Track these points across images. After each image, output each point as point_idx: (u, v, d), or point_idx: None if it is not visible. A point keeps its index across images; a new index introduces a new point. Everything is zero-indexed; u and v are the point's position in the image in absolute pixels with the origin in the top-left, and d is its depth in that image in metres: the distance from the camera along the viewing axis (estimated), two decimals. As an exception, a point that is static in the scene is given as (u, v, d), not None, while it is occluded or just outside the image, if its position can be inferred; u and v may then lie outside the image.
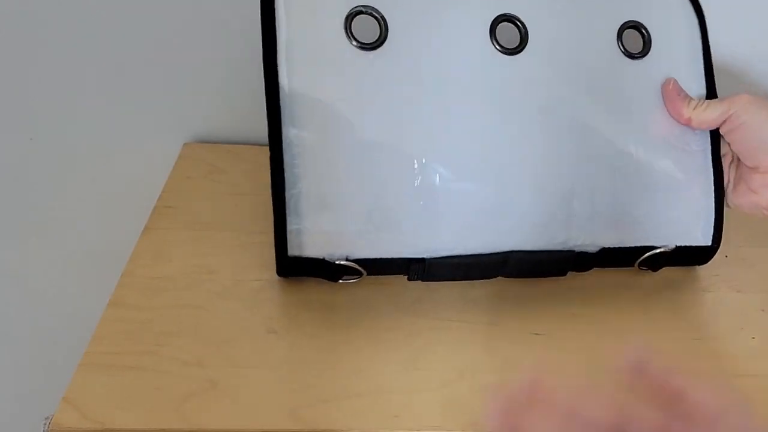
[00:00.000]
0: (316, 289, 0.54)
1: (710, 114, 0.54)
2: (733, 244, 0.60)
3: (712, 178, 0.57)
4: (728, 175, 0.57)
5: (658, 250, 0.56)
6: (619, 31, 0.55)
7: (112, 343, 0.51)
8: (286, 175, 0.49)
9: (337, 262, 0.51)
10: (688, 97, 0.56)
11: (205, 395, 0.45)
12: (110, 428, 0.47)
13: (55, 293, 0.84)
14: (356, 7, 0.50)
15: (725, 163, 0.57)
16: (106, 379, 0.49)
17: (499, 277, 0.56)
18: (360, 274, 0.53)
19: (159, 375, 0.46)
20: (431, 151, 0.51)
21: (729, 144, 0.56)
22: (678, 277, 0.57)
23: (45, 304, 0.83)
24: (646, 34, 0.56)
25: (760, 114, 0.53)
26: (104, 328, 0.53)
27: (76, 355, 0.51)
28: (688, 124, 0.55)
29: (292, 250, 0.51)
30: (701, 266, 0.59)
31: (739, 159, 0.56)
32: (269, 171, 0.50)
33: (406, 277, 0.54)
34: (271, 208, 0.50)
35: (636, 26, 0.55)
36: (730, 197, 0.57)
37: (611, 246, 0.55)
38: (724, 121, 0.54)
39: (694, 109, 0.55)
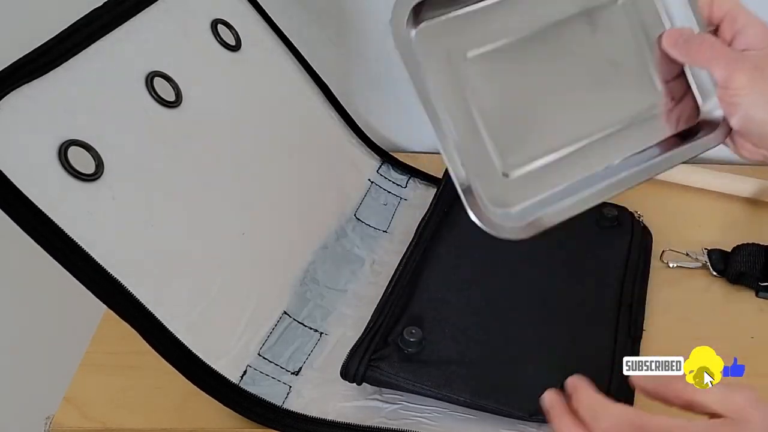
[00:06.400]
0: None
1: None
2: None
3: None
4: None
5: None
6: None
7: (112, 343, 0.51)
8: None
9: None
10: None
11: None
12: (110, 428, 0.47)
13: (55, 293, 0.84)
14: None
15: None
16: (106, 379, 0.50)
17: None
18: None
19: (159, 375, 0.46)
20: None
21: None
22: (678, 277, 0.57)
23: (45, 304, 0.83)
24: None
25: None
26: (104, 328, 0.53)
27: (76, 355, 0.51)
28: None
29: None
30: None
31: None
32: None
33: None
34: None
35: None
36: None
37: None
38: None
39: None
